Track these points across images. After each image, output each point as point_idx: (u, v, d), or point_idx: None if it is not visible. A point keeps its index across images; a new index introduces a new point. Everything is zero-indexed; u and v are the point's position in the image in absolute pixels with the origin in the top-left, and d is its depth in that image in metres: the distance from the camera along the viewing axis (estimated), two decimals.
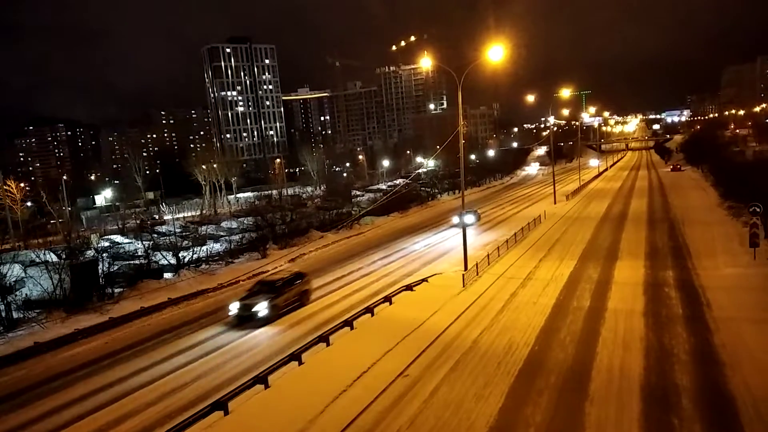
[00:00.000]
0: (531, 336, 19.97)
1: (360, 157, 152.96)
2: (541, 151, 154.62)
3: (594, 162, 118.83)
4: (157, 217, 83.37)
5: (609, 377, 16.03)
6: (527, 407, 14.59)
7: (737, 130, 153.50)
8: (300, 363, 18.63)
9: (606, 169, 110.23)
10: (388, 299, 25.29)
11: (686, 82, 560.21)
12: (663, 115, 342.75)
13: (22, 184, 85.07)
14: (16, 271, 31.26)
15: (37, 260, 34.11)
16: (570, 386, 15.66)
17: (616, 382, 15.66)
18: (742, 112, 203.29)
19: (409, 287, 27.42)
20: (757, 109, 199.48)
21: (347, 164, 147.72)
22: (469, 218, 43.56)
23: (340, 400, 15.89)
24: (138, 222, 70.44)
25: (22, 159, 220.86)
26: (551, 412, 14.28)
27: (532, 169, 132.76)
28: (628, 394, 14.93)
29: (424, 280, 29.09)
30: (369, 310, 23.69)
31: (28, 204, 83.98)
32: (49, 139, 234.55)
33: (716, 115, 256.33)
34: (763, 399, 13.99)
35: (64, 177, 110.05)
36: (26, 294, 30.52)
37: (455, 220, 46.28)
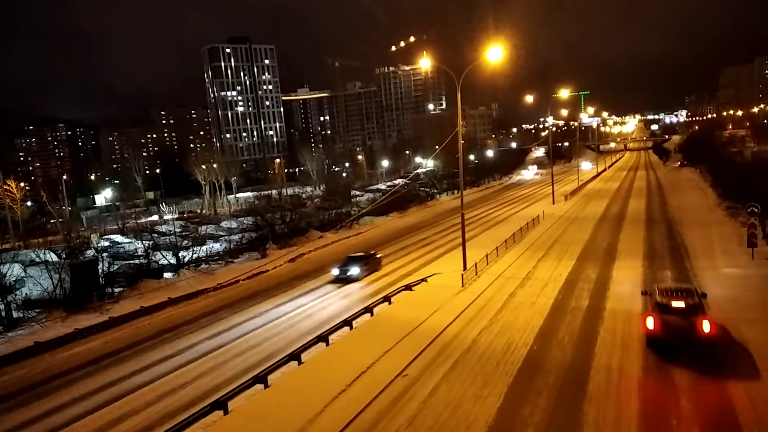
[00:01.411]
0: (530, 336, 20.03)
1: (359, 157, 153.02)
2: (540, 152, 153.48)
3: (586, 165, 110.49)
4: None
5: (608, 377, 16.09)
6: (526, 407, 14.64)
7: (735, 131, 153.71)
8: (299, 363, 18.69)
9: (604, 170, 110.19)
10: (387, 299, 25.36)
11: (685, 82, 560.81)
12: (661, 116, 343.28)
13: (22, 184, 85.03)
14: (16, 270, 31.33)
15: (37, 260, 34.18)
16: (569, 386, 15.71)
17: (615, 382, 15.72)
18: (740, 113, 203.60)
19: (408, 287, 27.49)
20: (755, 109, 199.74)
21: (347, 164, 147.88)
22: (354, 270, 32.08)
23: (339, 400, 15.95)
24: (188, 214, 71.68)
25: (22, 159, 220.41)
26: (550, 412, 14.33)
27: (529, 173, 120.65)
28: (626, 393, 15.00)
29: (424, 279, 29.16)
30: (368, 309, 23.76)
31: (28, 204, 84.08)
32: (50, 138, 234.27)
33: (714, 115, 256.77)
34: (762, 401, 14.05)
35: (64, 177, 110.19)
36: (26, 294, 30.60)
37: (334, 272, 32.49)
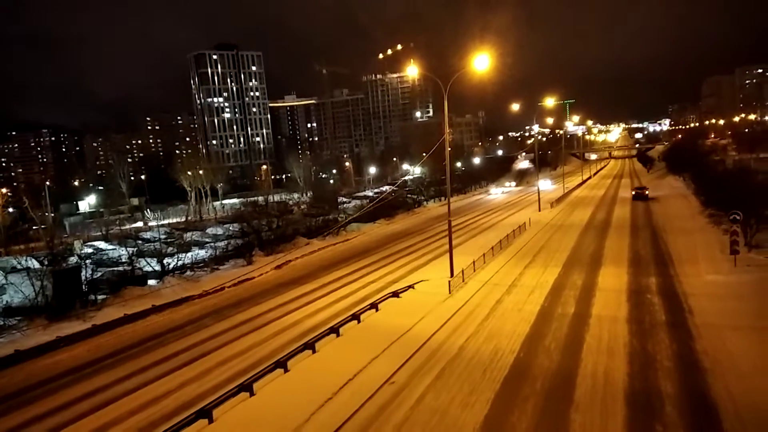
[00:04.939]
0: (516, 343, 20.05)
1: (347, 164, 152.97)
2: (525, 163, 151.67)
3: (546, 184, 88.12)
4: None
5: (594, 383, 16.14)
6: (513, 414, 14.63)
7: (717, 140, 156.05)
8: (285, 370, 18.54)
9: (590, 177, 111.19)
10: (374, 306, 25.27)
11: (668, 92, 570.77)
12: (645, 124, 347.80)
13: (3, 190, 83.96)
14: None
15: (19, 267, 33.65)
16: (555, 393, 15.74)
17: (601, 389, 15.77)
18: (722, 122, 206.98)
19: (395, 294, 27.43)
20: (737, 118, 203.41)
21: (334, 171, 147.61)
22: None
23: (326, 408, 15.83)
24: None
25: (4, 164, 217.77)
26: (536, 418, 14.33)
27: (497, 190, 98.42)
28: (612, 400, 15.04)
29: (411, 286, 29.13)
30: (355, 316, 23.66)
31: (10, 210, 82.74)
32: (33, 144, 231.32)
33: (697, 124, 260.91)
34: (744, 405, 14.18)
35: (47, 183, 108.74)
36: (7, 301, 30.19)
37: None
